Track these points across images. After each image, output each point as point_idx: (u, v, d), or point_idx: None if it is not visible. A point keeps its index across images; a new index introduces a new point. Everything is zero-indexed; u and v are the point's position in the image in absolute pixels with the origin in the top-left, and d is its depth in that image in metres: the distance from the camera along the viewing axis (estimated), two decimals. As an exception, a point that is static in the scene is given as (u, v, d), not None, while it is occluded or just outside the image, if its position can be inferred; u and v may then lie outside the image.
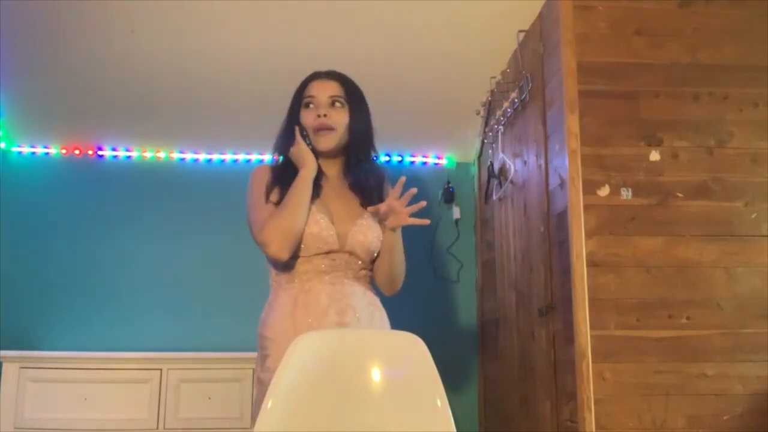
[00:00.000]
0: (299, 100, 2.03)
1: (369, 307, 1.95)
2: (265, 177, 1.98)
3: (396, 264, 1.98)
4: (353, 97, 2.03)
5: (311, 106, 2.00)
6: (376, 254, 1.99)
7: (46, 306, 3.59)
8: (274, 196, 1.93)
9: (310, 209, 1.90)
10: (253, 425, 1.50)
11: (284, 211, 1.87)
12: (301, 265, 1.92)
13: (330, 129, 1.98)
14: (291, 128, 1.99)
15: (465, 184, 3.95)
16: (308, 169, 1.93)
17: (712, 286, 2.48)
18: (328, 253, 1.92)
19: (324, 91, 2.00)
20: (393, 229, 1.95)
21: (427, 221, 1.90)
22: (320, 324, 1.85)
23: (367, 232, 1.95)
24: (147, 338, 3.52)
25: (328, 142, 1.99)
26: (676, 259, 2.48)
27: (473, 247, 3.89)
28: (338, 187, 2.03)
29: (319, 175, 1.98)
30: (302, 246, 1.90)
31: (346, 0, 2.97)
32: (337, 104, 2.00)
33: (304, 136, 1.97)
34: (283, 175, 1.96)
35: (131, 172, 3.78)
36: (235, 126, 3.64)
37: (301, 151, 1.95)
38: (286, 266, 1.92)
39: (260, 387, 1.84)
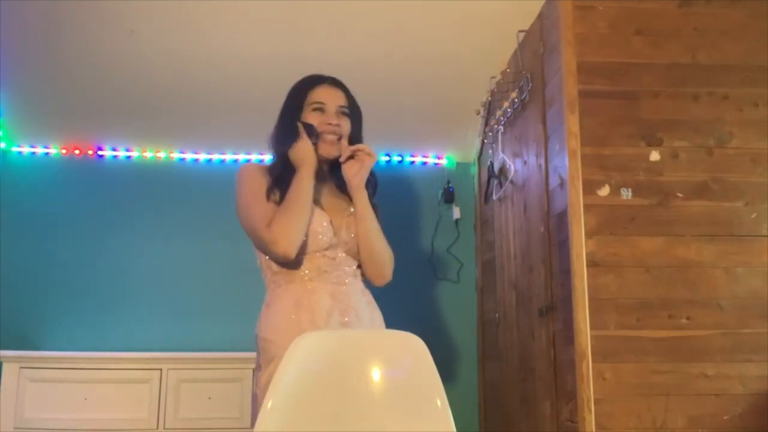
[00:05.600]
0: (301, 101, 2.02)
1: (368, 306, 1.98)
2: (262, 176, 1.98)
3: (373, 237, 1.97)
4: (354, 107, 2.06)
5: (320, 111, 2.01)
6: None
7: (46, 306, 3.59)
8: (276, 196, 1.94)
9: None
10: (254, 426, 1.50)
11: (292, 209, 1.88)
12: (302, 264, 1.92)
13: (339, 138, 2.01)
14: (293, 126, 1.98)
15: (465, 184, 3.95)
16: (310, 166, 1.93)
17: (712, 286, 2.48)
18: (327, 249, 1.93)
19: (334, 100, 2.02)
20: (357, 186, 1.97)
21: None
22: (325, 325, 1.86)
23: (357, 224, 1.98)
24: (147, 338, 3.52)
25: (336, 150, 2.01)
26: (676, 259, 2.48)
27: (473, 247, 3.89)
28: (326, 186, 2.05)
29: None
30: (306, 242, 1.90)
31: (346, 1, 2.97)
32: (343, 114, 2.03)
33: (312, 135, 1.96)
34: (284, 175, 1.96)
35: (131, 172, 3.78)
36: (235, 126, 3.64)
37: (303, 148, 1.95)
38: (287, 265, 1.92)
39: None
